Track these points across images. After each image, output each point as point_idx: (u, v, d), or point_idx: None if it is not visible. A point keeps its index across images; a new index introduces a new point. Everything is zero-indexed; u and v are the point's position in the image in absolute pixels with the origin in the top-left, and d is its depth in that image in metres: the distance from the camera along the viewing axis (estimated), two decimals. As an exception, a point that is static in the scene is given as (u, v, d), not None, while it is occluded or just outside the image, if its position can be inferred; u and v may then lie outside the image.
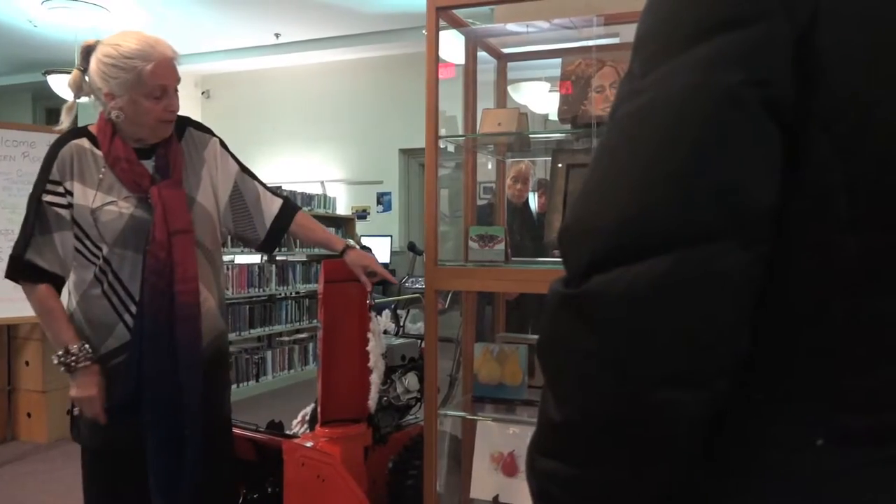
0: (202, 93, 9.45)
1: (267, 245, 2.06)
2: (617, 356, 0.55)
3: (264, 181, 2.07)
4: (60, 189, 1.79)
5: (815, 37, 0.53)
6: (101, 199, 1.78)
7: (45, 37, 7.45)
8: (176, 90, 1.82)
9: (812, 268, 0.56)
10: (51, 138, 4.49)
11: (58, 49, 7.69)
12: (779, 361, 0.59)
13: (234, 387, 5.35)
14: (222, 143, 2.01)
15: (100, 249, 1.79)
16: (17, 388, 4.26)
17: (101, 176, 1.80)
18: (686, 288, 0.53)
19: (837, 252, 0.55)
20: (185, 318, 1.78)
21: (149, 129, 1.81)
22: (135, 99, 1.76)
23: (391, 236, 7.73)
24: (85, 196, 1.79)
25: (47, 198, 1.79)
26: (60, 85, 6.55)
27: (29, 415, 4.22)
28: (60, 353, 1.79)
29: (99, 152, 1.81)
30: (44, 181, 1.80)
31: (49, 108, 9.63)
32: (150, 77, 1.74)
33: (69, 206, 1.79)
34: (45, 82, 6.66)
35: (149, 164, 1.83)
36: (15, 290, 3.81)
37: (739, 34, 0.53)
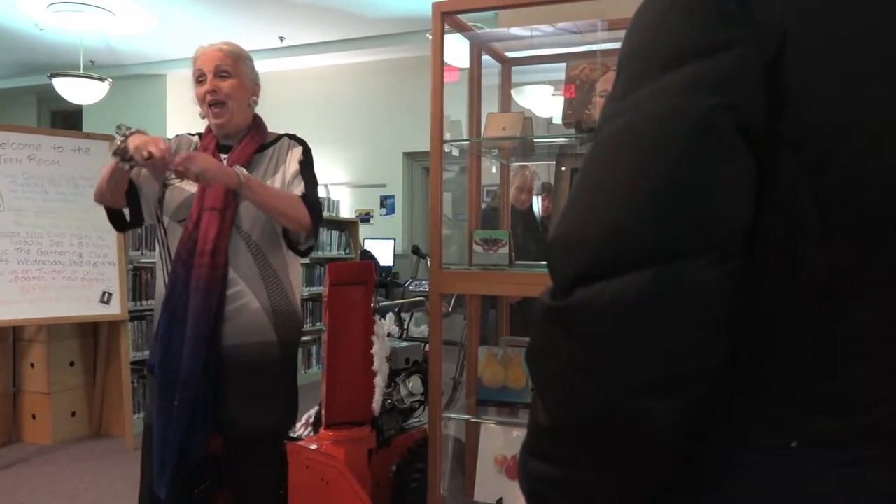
0: (207, 96, 9.47)
1: (288, 243, 2.07)
2: (599, 366, 0.58)
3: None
4: None
5: (783, 64, 0.57)
6: (173, 174, 2.00)
7: (51, 40, 7.48)
8: (219, 75, 1.98)
9: (783, 279, 0.59)
10: (56, 141, 4.52)
11: (63, 52, 7.72)
12: (753, 367, 0.62)
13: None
14: (305, 152, 2.06)
15: (163, 221, 2.03)
16: (21, 390, 4.27)
17: None
18: (663, 301, 0.56)
19: (807, 265, 0.58)
20: (197, 290, 1.88)
21: (205, 116, 2.03)
22: (194, 90, 2.02)
23: (394, 239, 7.74)
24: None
25: None
26: (65, 88, 6.58)
27: (34, 417, 4.22)
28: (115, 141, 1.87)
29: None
30: None
31: (54, 110, 9.67)
32: (193, 65, 2.02)
33: None
34: (51, 85, 6.69)
35: (226, 158, 2.02)
36: (21, 293, 3.84)
37: (713, 61, 0.57)
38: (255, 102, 2.08)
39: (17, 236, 3.87)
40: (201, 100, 2.00)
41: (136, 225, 2.09)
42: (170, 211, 1.99)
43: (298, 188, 2.02)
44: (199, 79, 1.99)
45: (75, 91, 6.56)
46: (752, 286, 0.59)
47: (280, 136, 2.11)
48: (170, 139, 2.14)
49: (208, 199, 1.93)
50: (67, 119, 9.34)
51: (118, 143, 1.83)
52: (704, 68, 0.57)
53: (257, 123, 2.09)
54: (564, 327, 0.59)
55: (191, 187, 1.97)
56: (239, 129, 2.04)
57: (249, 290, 1.94)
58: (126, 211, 2.05)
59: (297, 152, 2.07)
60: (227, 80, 1.98)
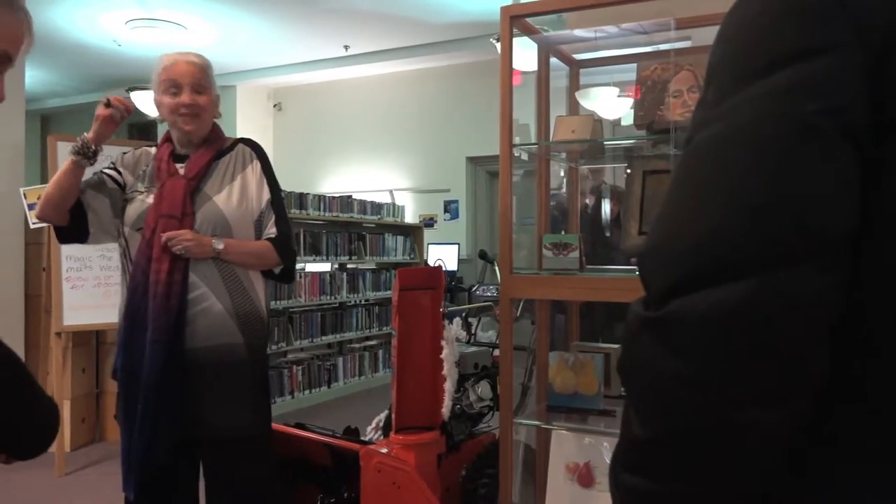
0: (274, 105, 9.71)
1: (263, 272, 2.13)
2: (699, 377, 0.56)
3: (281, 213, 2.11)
4: (114, 168, 2.11)
5: (888, 63, 0.54)
6: (135, 186, 2.07)
7: (129, 55, 7.81)
8: (196, 90, 2.02)
9: (887, 286, 0.57)
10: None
11: (141, 67, 8.03)
12: (858, 377, 0.59)
13: (305, 392, 5.47)
14: (265, 168, 2.10)
15: (124, 232, 2.04)
16: (104, 392, 4.45)
17: (142, 171, 2.09)
18: (764, 311, 0.54)
19: None
20: (155, 295, 1.90)
21: (172, 125, 2.05)
22: (158, 99, 2.06)
23: (458, 244, 7.76)
24: (133, 184, 2.08)
25: (106, 171, 2.11)
26: (143, 101, 6.85)
27: (116, 417, 4.39)
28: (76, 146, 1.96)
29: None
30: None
31: (131, 123, 10.07)
32: (163, 74, 2.04)
33: (120, 184, 2.07)
34: (129, 99, 6.97)
35: (182, 167, 2.04)
36: (105, 297, 4.00)
37: (812, 64, 0.55)
38: (218, 115, 2.15)
39: (104, 249, 4.04)
40: (172, 110, 2.02)
41: (78, 238, 2.06)
42: (130, 221, 2.01)
43: (271, 229, 2.05)
44: (173, 90, 2.02)
45: (151, 104, 6.82)
46: (858, 292, 0.57)
47: (235, 143, 2.12)
48: (128, 151, 2.16)
49: (164, 207, 1.95)
50: (143, 131, 9.73)
51: (78, 144, 1.95)
52: (803, 72, 0.55)
53: (214, 132, 2.11)
54: (660, 338, 0.58)
55: (150, 199, 2.00)
56: (199, 139, 2.07)
57: (212, 292, 1.95)
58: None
59: (256, 167, 2.07)
60: (203, 94, 2.04)
